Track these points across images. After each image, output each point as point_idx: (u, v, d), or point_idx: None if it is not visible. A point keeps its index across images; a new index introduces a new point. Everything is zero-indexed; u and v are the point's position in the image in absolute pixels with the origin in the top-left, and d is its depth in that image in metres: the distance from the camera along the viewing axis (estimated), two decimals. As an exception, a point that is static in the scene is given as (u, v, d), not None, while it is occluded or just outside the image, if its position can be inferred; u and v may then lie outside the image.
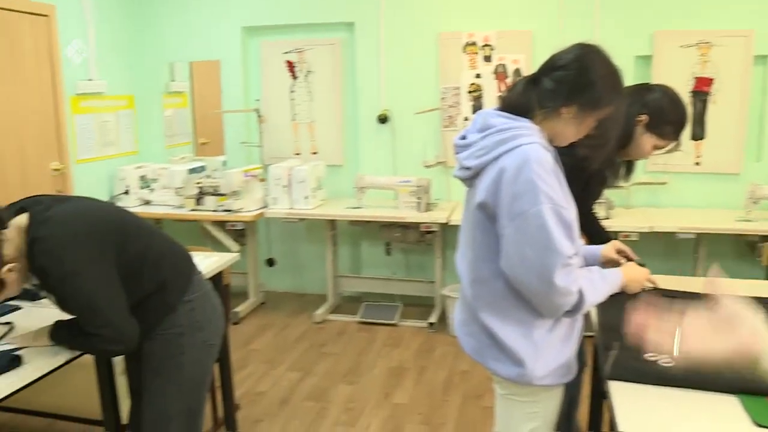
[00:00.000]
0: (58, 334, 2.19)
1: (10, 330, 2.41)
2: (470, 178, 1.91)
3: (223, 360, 3.23)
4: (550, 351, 1.86)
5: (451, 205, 4.95)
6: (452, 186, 5.16)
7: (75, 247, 2.01)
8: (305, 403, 3.86)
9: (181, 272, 2.31)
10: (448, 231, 5.09)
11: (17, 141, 4.56)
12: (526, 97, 1.86)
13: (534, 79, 1.87)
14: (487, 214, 1.82)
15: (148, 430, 2.32)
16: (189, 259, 2.39)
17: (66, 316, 2.18)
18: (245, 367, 4.33)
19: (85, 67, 5.16)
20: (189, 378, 2.31)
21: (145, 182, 5.40)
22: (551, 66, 1.84)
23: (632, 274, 2.03)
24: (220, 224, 5.14)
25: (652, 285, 2.26)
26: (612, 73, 1.83)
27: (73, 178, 5.03)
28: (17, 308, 2.65)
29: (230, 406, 3.47)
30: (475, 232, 1.88)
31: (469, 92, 5.07)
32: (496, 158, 1.79)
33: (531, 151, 1.74)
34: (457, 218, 4.60)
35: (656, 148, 2.53)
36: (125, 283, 2.11)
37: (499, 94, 4.94)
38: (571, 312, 1.81)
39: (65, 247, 2.01)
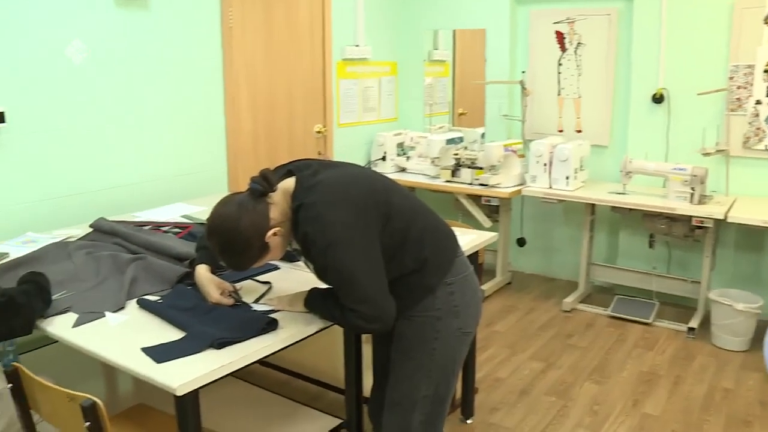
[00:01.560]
0: (314, 302, 2.16)
1: (269, 290, 2.45)
2: None
3: (468, 341, 3.09)
4: None
5: (729, 200, 4.39)
6: (732, 178, 4.58)
7: (341, 217, 1.94)
8: (546, 397, 3.64)
9: (444, 252, 2.17)
10: (722, 228, 4.54)
11: (288, 103, 4.76)
12: None
13: None
14: None
15: (391, 411, 2.25)
16: (453, 239, 2.24)
17: (323, 285, 2.14)
18: (486, 349, 4.19)
19: (353, 33, 5.25)
20: (440, 365, 2.18)
21: (402, 149, 5.44)
22: None
23: None
24: (474, 198, 5.01)
25: None
26: None
27: (334, 142, 5.17)
28: (276, 268, 2.71)
29: (470, 390, 3.37)
30: None
31: (765, 71, 4.43)
32: None
33: None
34: (735, 215, 4.05)
35: None
36: (385, 259, 2.01)
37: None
38: None
39: (331, 215, 1.94)
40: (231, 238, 1.97)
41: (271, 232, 1.99)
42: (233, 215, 1.97)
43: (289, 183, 2.05)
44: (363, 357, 2.66)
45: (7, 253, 2.83)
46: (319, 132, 5.01)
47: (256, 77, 4.48)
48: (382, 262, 2.00)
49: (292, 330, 2.10)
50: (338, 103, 5.19)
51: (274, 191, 2.03)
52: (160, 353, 1.91)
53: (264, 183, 2.00)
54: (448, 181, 4.98)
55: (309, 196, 1.97)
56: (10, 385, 2.00)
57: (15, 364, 1.98)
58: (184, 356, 1.90)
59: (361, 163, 5.40)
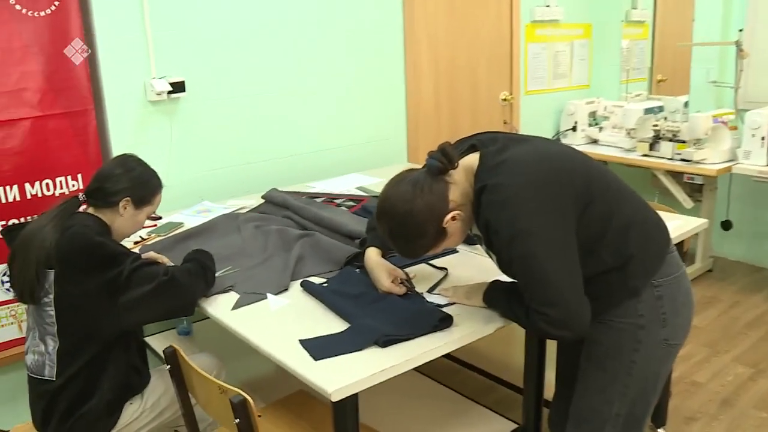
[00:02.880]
0: (495, 298, 1.90)
1: (444, 278, 2.22)
2: None
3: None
4: None
5: None
6: None
7: (532, 202, 1.65)
8: (755, 411, 3.16)
9: (652, 248, 1.82)
10: None
11: (472, 69, 4.54)
12: None
13: None
14: None
15: (576, 427, 1.96)
16: (665, 231, 1.88)
17: (506, 278, 1.87)
18: (682, 347, 3.72)
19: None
20: (638, 380, 1.86)
21: (595, 119, 5.06)
22: None
23: None
24: (675, 175, 4.51)
25: None
26: None
27: (520, 110, 4.88)
28: (453, 251, 2.47)
29: (663, 394, 2.97)
30: None
31: None
32: None
33: None
34: None
35: None
36: (581, 253, 1.70)
37: None
38: None
39: (520, 200, 1.66)
40: (403, 222, 1.74)
41: (449, 216, 1.73)
42: (406, 196, 1.73)
43: (472, 159, 1.78)
44: (546, 354, 2.38)
45: (181, 223, 2.83)
46: (504, 100, 4.74)
47: (438, 42, 4.28)
48: (577, 258, 1.69)
49: (467, 329, 1.85)
50: (526, 69, 4.89)
51: (454, 168, 1.76)
52: (318, 348, 1.73)
53: (443, 159, 1.74)
54: (645, 155, 4.51)
55: (494, 177, 1.69)
56: (168, 366, 1.92)
57: (173, 345, 1.89)
58: (345, 353, 1.71)
59: (550, 134, 5.08)
